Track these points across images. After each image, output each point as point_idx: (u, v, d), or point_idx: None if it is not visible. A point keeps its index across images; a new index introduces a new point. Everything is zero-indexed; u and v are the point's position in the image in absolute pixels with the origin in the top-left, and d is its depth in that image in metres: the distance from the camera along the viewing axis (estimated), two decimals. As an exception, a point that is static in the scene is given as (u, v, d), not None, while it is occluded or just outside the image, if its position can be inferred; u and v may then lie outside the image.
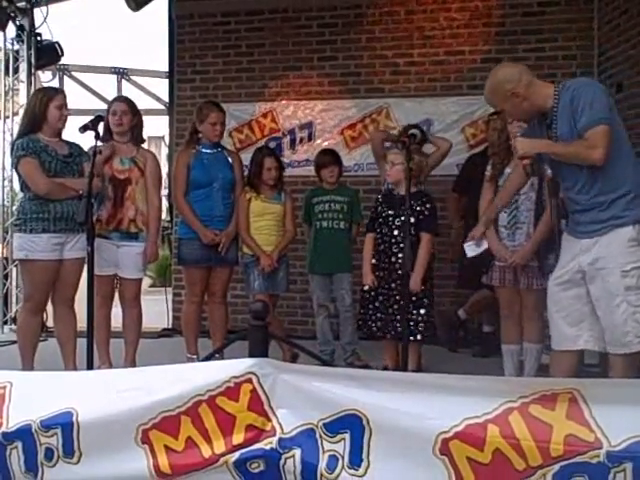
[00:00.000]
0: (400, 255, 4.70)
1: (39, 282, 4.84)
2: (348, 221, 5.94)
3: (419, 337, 4.98)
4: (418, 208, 4.98)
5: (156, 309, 7.96)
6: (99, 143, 4.55)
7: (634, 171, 3.61)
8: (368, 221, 5.27)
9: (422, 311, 4.94)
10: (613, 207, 3.55)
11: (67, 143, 4.99)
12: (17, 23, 8.29)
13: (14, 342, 5.40)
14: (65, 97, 5.03)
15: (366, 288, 5.12)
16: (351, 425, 2.78)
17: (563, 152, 3.56)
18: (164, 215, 11.82)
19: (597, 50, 7.16)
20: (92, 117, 4.70)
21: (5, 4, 7.93)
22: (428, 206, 5.02)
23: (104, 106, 8.04)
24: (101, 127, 4.90)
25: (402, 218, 4.68)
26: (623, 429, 2.56)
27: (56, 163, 4.80)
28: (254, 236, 5.53)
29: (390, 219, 4.92)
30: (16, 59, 8.44)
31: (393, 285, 4.77)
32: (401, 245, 4.58)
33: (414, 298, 4.88)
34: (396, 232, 5.01)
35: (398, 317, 4.75)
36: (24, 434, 2.96)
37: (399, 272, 4.44)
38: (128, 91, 9.97)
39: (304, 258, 6.30)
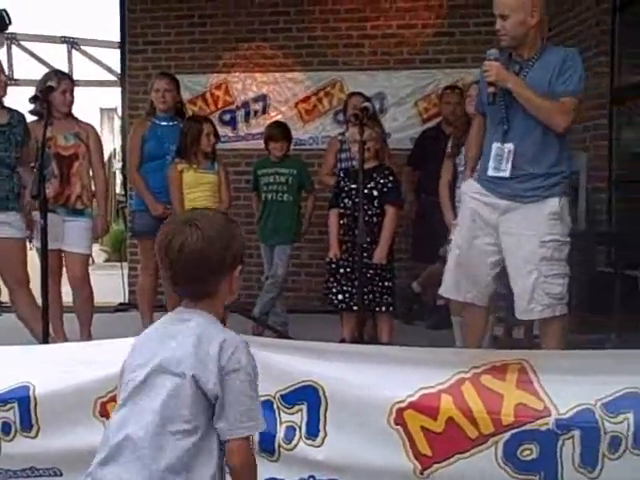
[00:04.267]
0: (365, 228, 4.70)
1: None
2: (294, 194, 5.92)
3: (389, 309, 5.02)
4: (381, 181, 4.99)
5: (112, 284, 7.92)
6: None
7: (568, 155, 3.80)
8: (331, 196, 5.26)
9: (387, 284, 4.99)
10: (547, 178, 3.65)
11: (9, 111, 4.83)
12: (-39, -10, 8.07)
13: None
14: None
15: (329, 259, 5.12)
16: (308, 396, 2.84)
17: (533, 99, 3.58)
18: (118, 189, 11.72)
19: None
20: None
21: (-51, -30, 7.70)
22: (391, 178, 5.03)
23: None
24: (56, 98, 4.85)
25: (366, 191, 4.70)
26: (571, 398, 2.67)
27: None
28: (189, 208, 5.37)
29: (353, 192, 4.94)
30: (-40, 27, 8.22)
31: (356, 257, 4.77)
32: (365, 218, 4.61)
33: (379, 270, 4.93)
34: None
35: (365, 289, 4.77)
36: (-20, 408, 2.95)
37: (363, 245, 4.46)
38: (79, 61, 9.79)
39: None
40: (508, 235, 3.66)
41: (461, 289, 3.84)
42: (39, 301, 4.68)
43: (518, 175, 3.64)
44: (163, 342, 1.99)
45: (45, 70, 9.05)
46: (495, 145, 3.68)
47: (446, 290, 3.93)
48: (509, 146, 3.65)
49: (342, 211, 5.07)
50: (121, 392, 2.01)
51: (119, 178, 12.32)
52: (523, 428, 2.65)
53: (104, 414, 2.87)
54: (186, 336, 1.96)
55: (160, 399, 1.91)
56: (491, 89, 3.61)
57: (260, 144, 6.33)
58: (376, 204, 4.95)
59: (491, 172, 3.71)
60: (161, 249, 2.00)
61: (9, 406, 2.93)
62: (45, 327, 4.13)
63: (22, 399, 2.91)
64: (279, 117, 7.50)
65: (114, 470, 1.88)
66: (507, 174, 3.65)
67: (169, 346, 1.96)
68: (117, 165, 14.03)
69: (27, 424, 2.85)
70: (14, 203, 4.73)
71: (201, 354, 1.93)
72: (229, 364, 1.92)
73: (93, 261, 5.61)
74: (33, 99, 4.78)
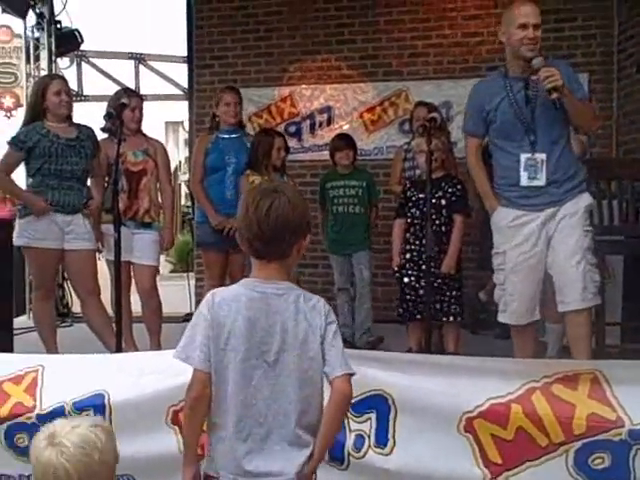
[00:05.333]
0: (434, 238, 4.69)
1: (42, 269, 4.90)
2: (364, 205, 5.95)
3: (457, 318, 5.00)
4: (450, 190, 4.99)
5: (179, 294, 8.04)
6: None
7: None
8: (397, 207, 5.26)
9: (454, 293, 4.97)
10: (577, 176, 3.80)
11: (78, 127, 4.99)
12: (37, 11, 8.35)
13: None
14: (63, 82, 5.04)
15: (395, 268, 5.13)
16: (377, 405, 2.86)
17: (579, 103, 3.70)
18: (184, 201, 11.94)
19: (617, 30, 7.12)
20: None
21: (25, -8, 7.99)
22: (459, 187, 5.03)
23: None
24: (126, 115, 4.98)
25: (434, 200, 4.71)
26: (645, 408, 2.62)
27: (56, 147, 4.79)
28: None
29: (421, 202, 4.93)
30: (37, 47, 8.51)
31: (424, 267, 4.76)
32: (433, 228, 4.62)
33: (447, 279, 4.92)
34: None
35: (432, 299, 4.77)
36: (58, 416, 3.01)
37: (431, 255, 4.47)
38: (146, 76, 10.02)
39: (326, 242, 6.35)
40: (552, 236, 3.74)
41: (529, 310, 3.84)
42: (109, 311, 4.81)
43: (551, 182, 3.73)
44: (274, 319, 2.16)
45: (113, 86, 9.33)
46: (525, 156, 3.73)
47: (513, 317, 3.90)
48: (541, 156, 3.72)
49: (410, 220, 5.07)
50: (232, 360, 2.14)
51: (184, 190, 12.53)
52: (595, 438, 2.62)
53: (176, 422, 2.93)
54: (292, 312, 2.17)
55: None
56: (555, 95, 3.58)
57: (325, 155, 6.38)
58: (444, 213, 4.96)
59: (525, 182, 3.75)
60: (248, 209, 2.16)
61: (85, 413, 3.00)
62: (118, 337, 4.23)
63: (98, 407, 2.99)
64: (344, 128, 7.55)
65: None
66: (543, 182, 3.72)
67: (286, 323, 2.16)
68: (182, 177, 14.26)
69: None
70: (85, 215, 4.88)
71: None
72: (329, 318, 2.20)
73: (159, 272, 5.70)
74: (107, 116, 4.94)
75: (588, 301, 3.70)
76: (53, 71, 8.42)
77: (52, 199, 4.75)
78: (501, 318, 3.98)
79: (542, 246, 3.76)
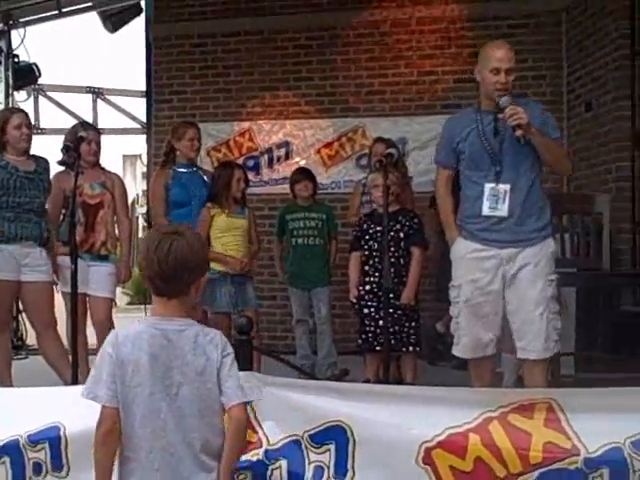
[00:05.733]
0: (392, 270, 4.73)
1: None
2: (324, 237, 6.02)
3: (415, 349, 5.05)
4: (407, 223, 5.06)
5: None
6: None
7: None
8: (353, 240, 5.31)
9: (413, 324, 5.02)
10: (542, 217, 3.81)
11: (35, 160, 4.96)
12: (-5, 45, 8.32)
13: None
14: (24, 116, 5.01)
15: (354, 301, 5.16)
16: (336, 436, 2.85)
17: (549, 141, 3.76)
18: (141, 234, 11.85)
19: (566, 70, 7.32)
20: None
21: (-17, 27, 7.95)
22: (416, 221, 5.11)
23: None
24: (83, 148, 4.96)
25: (392, 233, 4.77)
26: (599, 436, 2.66)
27: (15, 179, 4.74)
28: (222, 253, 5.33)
29: (378, 235, 4.99)
30: (-6, 80, 8.45)
31: (383, 298, 4.79)
32: (391, 260, 4.66)
33: (406, 311, 4.96)
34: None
35: (391, 330, 4.80)
36: (11, 449, 2.98)
37: (389, 287, 4.50)
38: (103, 110, 9.99)
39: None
40: (516, 280, 3.73)
41: (480, 346, 3.84)
42: (65, 344, 4.74)
43: (515, 215, 3.74)
44: (175, 354, 2.31)
45: (71, 119, 9.29)
46: (489, 186, 3.75)
47: (465, 351, 3.90)
48: (505, 187, 3.73)
49: (367, 253, 5.12)
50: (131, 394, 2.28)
51: (142, 223, 12.40)
52: (551, 467, 2.64)
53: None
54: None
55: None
56: (519, 132, 3.64)
57: (283, 189, 6.43)
58: (402, 246, 5.01)
59: (487, 211, 3.76)
60: (149, 250, 2.32)
61: (40, 446, 2.96)
62: (74, 369, 4.18)
63: (53, 439, 2.94)
64: (302, 162, 7.64)
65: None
66: (505, 213, 3.73)
67: (186, 357, 2.31)
68: (140, 210, 14.15)
69: (58, 464, 2.88)
70: (41, 246, 4.82)
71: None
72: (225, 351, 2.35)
73: (116, 304, 5.65)
74: (65, 149, 4.91)
75: (550, 351, 3.74)
76: (10, 104, 8.36)
77: (9, 231, 4.69)
78: (455, 351, 3.98)
79: (498, 285, 3.75)
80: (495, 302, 3.77)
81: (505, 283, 3.75)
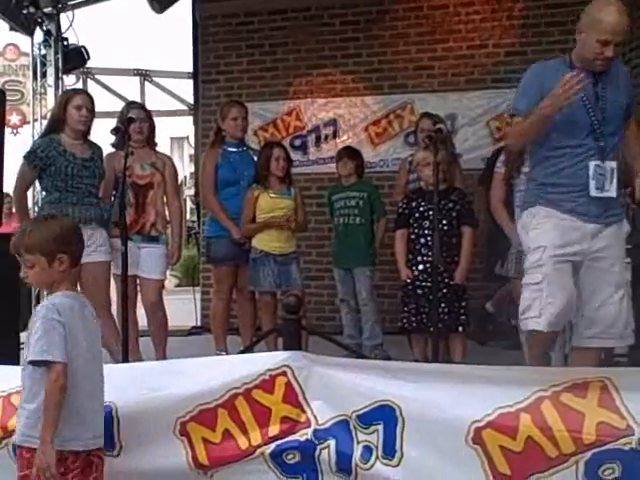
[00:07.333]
0: (444, 249, 4.66)
1: None
2: (365, 216, 5.91)
3: (464, 329, 4.99)
4: (459, 202, 5.00)
5: (184, 308, 8.05)
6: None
7: None
8: (397, 217, 5.24)
9: (462, 303, 4.96)
10: (620, 200, 3.51)
11: (90, 146, 4.99)
12: (44, 28, 8.40)
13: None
14: (87, 98, 5.00)
15: (406, 281, 5.09)
16: (384, 416, 2.83)
17: None
18: (189, 215, 11.95)
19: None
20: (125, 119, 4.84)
21: (32, 10, 8.03)
22: (466, 200, 5.06)
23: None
24: (132, 129, 4.99)
25: (443, 212, 4.74)
26: (654, 416, 2.59)
27: (73, 167, 4.79)
28: (265, 233, 5.35)
29: (429, 213, 4.90)
30: (44, 64, 8.56)
31: (433, 278, 4.70)
32: (444, 238, 4.60)
33: (455, 290, 4.91)
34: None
35: (443, 310, 4.75)
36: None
37: (439, 266, 4.43)
38: (151, 92, 10.09)
39: (330, 254, 6.35)
40: (597, 261, 3.39)
41: (562, 316, 3.40)
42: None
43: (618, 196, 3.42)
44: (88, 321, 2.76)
45: (119, 102, 9.39)
46: (594, 163, 3.34)
47: (549, 323, 3.35)
48: (611, 164, 3.37)
49: (418, 231, 5.04)
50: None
51: (190, 205, 12.50)
52: (605, 447, 2.59)
53: (184, 433, 2.92)
54: None
55: None
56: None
57: (331, 168, 6.39)
58: (453, 224, 4.95)
59: (594, 192, 3.34)
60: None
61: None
62: (125, 349, 4.23)
63: (105, 418, 2.98)
64: (350, 141, 7.57)
65: None
66: (614, 194, 3.37)
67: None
68: (188, 192, 14.26)
69: (110, 443, 2.90)
70: (103, 227, 4.88)
71: None
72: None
73: (165, 286, 5.70)
74: (115, 130, 4.95)
75: (626, 339, 3.44)
76: (60, 88, 8.46)
77: (73, 215, 4.71)
78: (533, 325, 3.39)
79: (580, 259, 3.39)
80: (572, 276, 3.39)
81: (584, 261, 3.40)
